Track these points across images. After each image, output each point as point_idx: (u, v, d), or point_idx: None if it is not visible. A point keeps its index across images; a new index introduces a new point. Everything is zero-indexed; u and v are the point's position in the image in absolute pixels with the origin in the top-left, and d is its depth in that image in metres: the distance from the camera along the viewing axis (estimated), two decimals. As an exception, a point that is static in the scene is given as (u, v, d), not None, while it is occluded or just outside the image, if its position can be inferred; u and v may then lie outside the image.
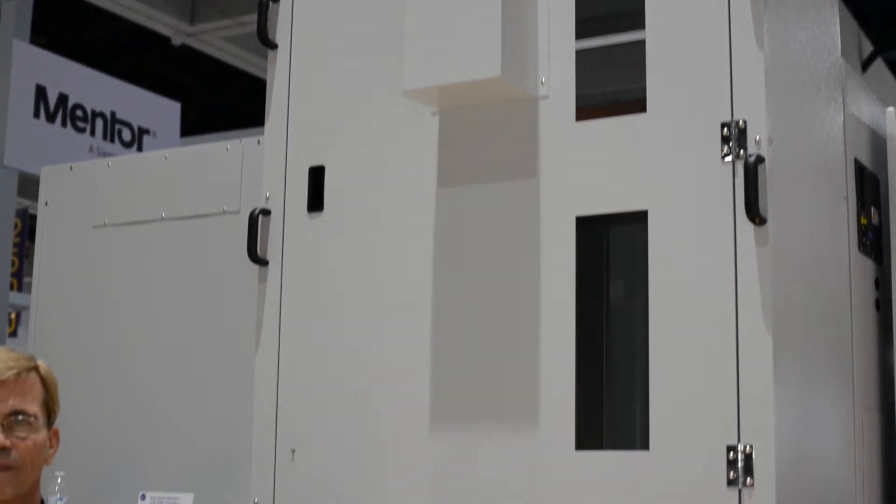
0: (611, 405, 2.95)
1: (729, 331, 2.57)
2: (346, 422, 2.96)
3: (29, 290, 4.60)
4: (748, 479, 2.50)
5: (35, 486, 2.46)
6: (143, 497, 3.90)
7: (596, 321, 2.84)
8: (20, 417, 2.39)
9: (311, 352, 3.05)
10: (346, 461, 2.95)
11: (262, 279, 3.14)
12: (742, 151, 2.60)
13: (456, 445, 2.82)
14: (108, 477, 4.20)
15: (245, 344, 3.37)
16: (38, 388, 2.45)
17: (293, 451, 3.02)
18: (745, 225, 2.58)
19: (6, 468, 2.35)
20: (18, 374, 2.40)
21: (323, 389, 3.01)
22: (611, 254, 2.85)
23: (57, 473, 4.03)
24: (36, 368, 2.47)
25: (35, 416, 2.42)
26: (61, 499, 3.99)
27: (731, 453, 2.52)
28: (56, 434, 2.49)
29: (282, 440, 3.04)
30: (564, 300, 2.76)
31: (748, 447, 2.51)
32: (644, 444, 2.66)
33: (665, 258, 2.67)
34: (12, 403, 2.38)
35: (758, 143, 2.59)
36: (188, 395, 4.11)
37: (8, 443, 2.35)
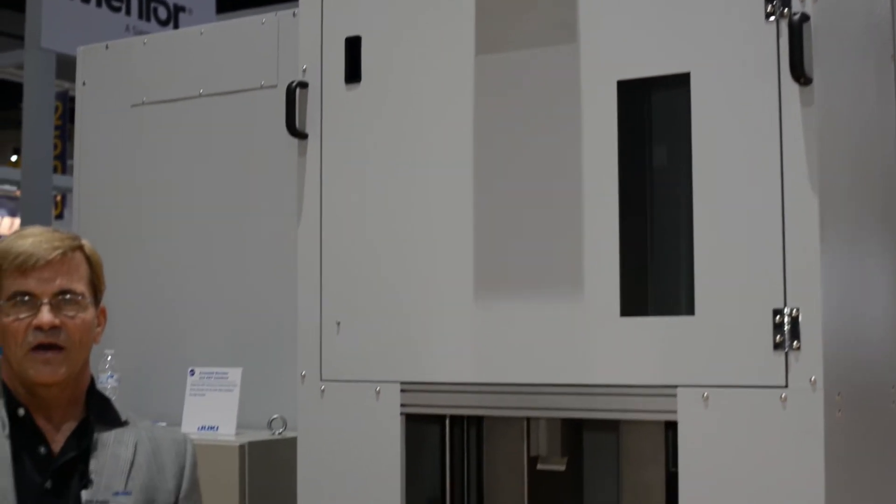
0: (655, 271, 2.94)
1: (774, 193, 2.54)
2: (390, 292, 2.97)
3: (72, 173, 4.61)
4: (795, 342, 2.49)
5: (85, 364, 2.48)
6: (192, 372, 3.95)
7: (639, 186, 2.82)
8: (68, 296, 2.38)
9: (352, 224, 3.04)
10: (391, 331, 2.96)
11: (302, 152, 3.12)
12: (786, 10, 2.54)
13: (500, 313, 2.82)
14: (157, 354, 4.25)
15: (287, 218, 3.37)
16: (83, 267, 2.44)
17: (338, 324, 3.03)
18: (790, 85, 2.53)
19: (57, 348, 2.36)
20: (64, 254, 2.39)
21: (366, 261, 3.01)
22: (653, 118, 2.81)
23: (107, 352, 4.08)
24: (81, 247, 2.46)
25: (82, 295, 2.41)
26: (112, 376, 4.05)
27: (778, 317, 2.51)
28: (103, 312, 2.50)
29: (327, 313, 3.05)
30: (607, 165, 2.73)
31: (795, 310, 2.50)
32: (689, 310, 2.65)
33: (708, 121, 2.63)
34: (59, 283, 2.37)
35: (802, 0, 2.53)
36: (233, 270, 4.14)
37: (57, 322, 2.35)
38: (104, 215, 4.38)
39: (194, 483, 2.54)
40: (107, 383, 4.04)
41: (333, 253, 3.06)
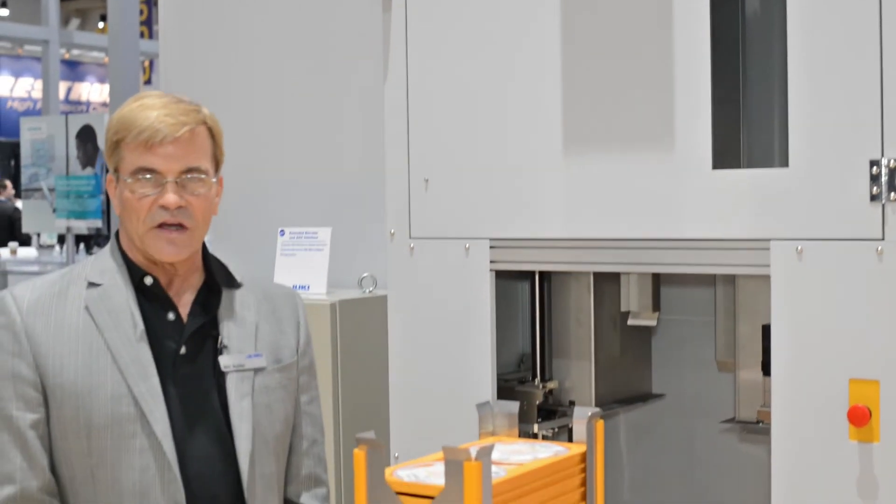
0: (748, 122, 2.88)
1: (872, 41, 2.45)
2: (478, 149, 2.95)
3: (158, 38, 4.63)
4: (892, 193, 2.44)
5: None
6: (283, 233, 3.98)
7: (732, 36, 2.75)
8: (193, 175, 2.33)
9: (439, 80, 3.01)
10: (480, 187, 2.95)
11: (387, 7, 3.08)
12: None
13: (590, 167, 2.79)
14: (248, 214, 4.30)
15: (374, 75, 3.35)
16: (207, 142, 2.38)
17: (427, 181, 3.02)
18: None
19: (183, 228, 2.33)
20: (192, 131, 2.33)
21: (454, 116, 2.99)
22: (747, -36, 2.73)
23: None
24: (204, 121, 2.39)
25: (207, 172, 2.36)
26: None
27: (874, 168, 2.45)
28: (220, 182, 2.43)
29: (415, 170, 3.05)
30: (699, 14, 2.66)
31: (892, 161, 2.44)
32: (783, 162, 2.60)
33: (805, -34, 2.54)
34: (186, 161, 2.31)
35: None
36: (322, 129, 4.15)
37: (183, 203, 2.31)
38: (191, 79, 4.40)
39: (309, 336, 2.55)
40: (199, 244, 4.10)
41: (420, 109, 3.04)
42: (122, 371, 2.28)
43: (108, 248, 2.42)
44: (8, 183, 16.07)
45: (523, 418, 2.98)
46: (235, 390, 2.37)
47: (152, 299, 2.37)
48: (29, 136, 12.02)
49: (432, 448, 1.88)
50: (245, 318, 2.43)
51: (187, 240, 2.34)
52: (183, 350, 2.35)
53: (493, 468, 1.74)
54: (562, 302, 3.16)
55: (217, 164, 2.42)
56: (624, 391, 3.24)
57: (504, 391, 3.06)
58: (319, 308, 3.65)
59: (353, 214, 4.04)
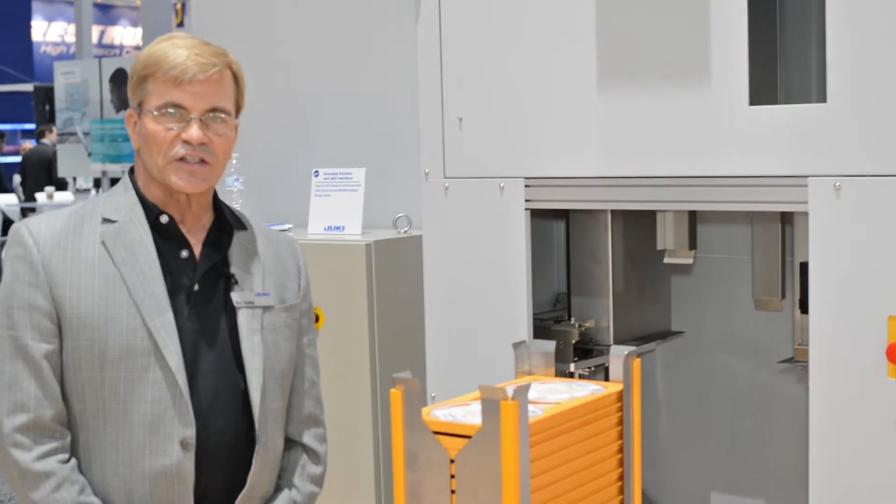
0: (785, 57, 2.85)
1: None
2: (512, 87, 2.93)
3: (190, -22, 4.61)
4: (932, 127, 2.41)
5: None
6: (317, 173, 3.98)
7: (769, -30, 2.71)
8: (217, 114, 2.38)
9: (472, 17, 2.99)
10: (514, 126, 2.93)
11: (419, -54, 3.05)
12: None
13: (624, 104, 2.77)
14: (282, 156, 4.30)
15: (407, 13, 3.33)
16: (231, 86, 2.44)
17: (460, 120, 3.01)
18: None
19: (204, 163, 2.37)
20: (220, 72, 2.39)
21: (488, 55, 2.97)
22: None
23: (231, 155, 4.12)
24: (230, 65, 2.44)
25: (229, 114, 2.42)
26: (237, 179, 4.10)
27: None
28: (236, 128, 2.50)
29: (448, 109, 3.03)
30: (735, -52, 2.62)
31: (932, 94, 2.41)
32: (821, 97, 2.57)
33: None
34: (212, 100, 2.37)
35: None
36: (355, 70, 4.13)
37: (206, 139, 2.36)
38: (223, 21, 4.38)
39: (308, 281, 2.61)
40: (233, 186, 4.10)
41: (454, 48, 3.02)
42: (137, 305, 2.32)
43: (120, 186, 2.46)
44: (54, 128, 16.17)
45: (559, 357, 2.98)
46: (247, 326, 2.42)
47: (166, 237, 2.41)
48: (63, 80, 12.05)
49: (469, 388, 1.89)
50: (254, 258, 2.49)
51: (207, 173, 2.39)
52: (196, 287, 2.39)
53: (530, 407, 1.74)
54: (599, 240, 3.15)
55: (238, 108, 2.47)
56: (643, 329, 3.24)
57: (540, 331, 3.06)
58: (354, 249, 3.65)
59: (388, 154, 4.03)
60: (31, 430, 2.28)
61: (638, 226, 3.18)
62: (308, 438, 2.58)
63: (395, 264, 3.70)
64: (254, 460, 2.41)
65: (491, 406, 1.65)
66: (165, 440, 2.31)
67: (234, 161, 4.11)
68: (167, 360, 2.30)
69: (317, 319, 3.70)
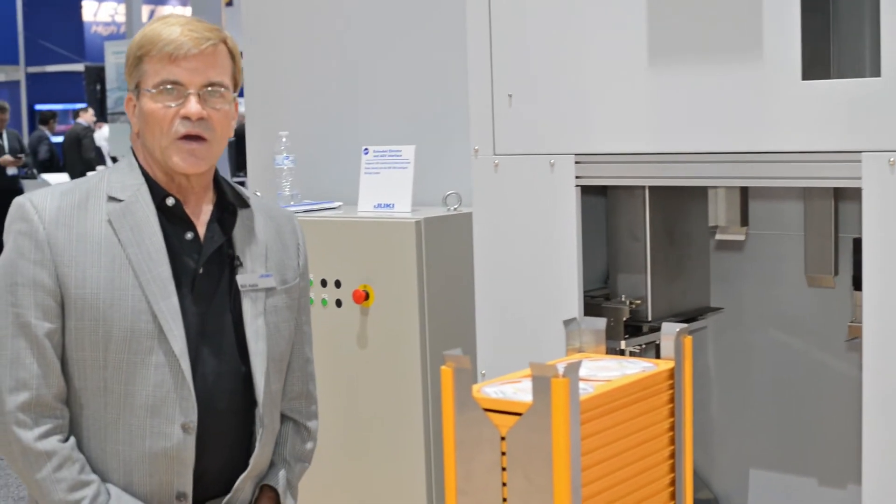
0: (838, 31, 2.81)
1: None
2: (563, 62, 2.91)
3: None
4: None
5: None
6: (366, 151, 3.98)
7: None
8: (214, 88, 2.38)
9: (522, -5, 2.97)
10: (564, 102, 2.91)
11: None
12: None
13: (675, 80, 2.74)
14: (331, 134, 4.30)
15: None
16: (227, 60, 2.43)
17: (510, 97, 3.00)
18: None
19: (202, 140, 2.37)
20: (214, 46, 2.38)
21: (537, 31, 2.95)
22: None
23: (281, 133, 4.14)
24: (225, 40, 2.44)
25: (227, 88, 2.41)
26: (287, 157, 4.11)
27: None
28: (236, 106, 2.49)
29: (498, 86, 3.02)
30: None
31: None
32: (875, 71, 2.53)
33: None
34: (208, 74, 2.37)
35: None
36: (405, 47, 4.13)
37: (205, 113, 2.35)
38: (274, 3, 4.39)
39: (307, 258, 2.61)
40: (283, 164, 4.10)
41: (503, 24, 3.01)
42: (143, 287, 2.32)
43: (125, 164, 2.45)
44: (90, 109, 16.29)
45: (610, 335, 2.96)
46: (251, 309, 2.43)
47: (171, 219, 2.41)
48: (114, 60, 12.12)
49: (519, 365, 1.88)
50: (257, 237, 2.49)
51: (206, 152, 2.38)
52: (201, 269, 2.40)
53: (581, 385, 1.74)
54: (637, 217, 3.13)
55: (235, 84, 2.46)
56: (681, 306, 3.22)
57: (590, 308, 3.05)
58: (404, 226, 3.65)
59: (437, 132, 4.02)
60: (32, 408, 2.29)
61: (679, 202, 3.16)
62: (301, 415, 2.61)
63: (444, 242, 3.70)
64: (256, 444, 2.43)
65: (542, 383, 1.65)
66: (166, 423, 2.32)
67: (284, 139, 4.12)
68: (171, 345, 2.31)
69: (367, 297, 3.71)
